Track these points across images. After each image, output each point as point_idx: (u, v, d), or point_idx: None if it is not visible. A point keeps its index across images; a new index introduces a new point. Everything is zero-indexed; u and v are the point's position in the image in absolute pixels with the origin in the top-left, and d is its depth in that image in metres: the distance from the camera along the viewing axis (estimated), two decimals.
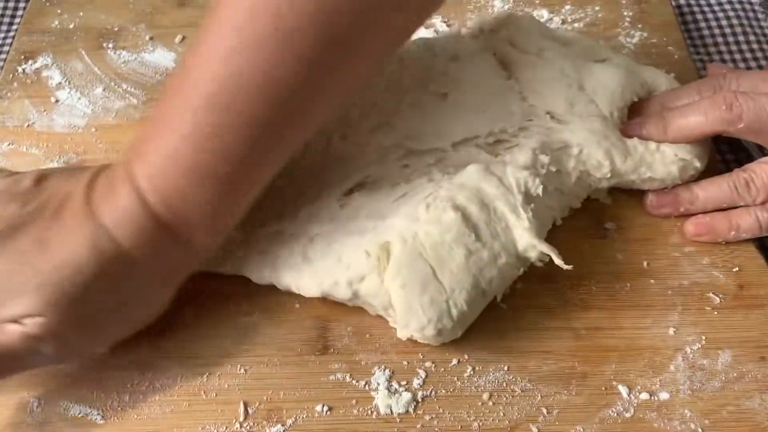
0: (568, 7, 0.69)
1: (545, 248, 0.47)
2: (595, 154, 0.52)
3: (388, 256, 0.46)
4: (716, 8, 0.72)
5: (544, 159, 0.51)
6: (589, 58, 0.56)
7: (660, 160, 0.52)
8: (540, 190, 0.49)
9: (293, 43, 0.39)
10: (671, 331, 0.49)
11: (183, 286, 0.46)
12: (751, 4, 0.72)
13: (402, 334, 0.46)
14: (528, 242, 0.47)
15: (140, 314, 0.45)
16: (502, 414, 0.45)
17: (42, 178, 0.45)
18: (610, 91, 0.54)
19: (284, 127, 0.42)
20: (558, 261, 0.47)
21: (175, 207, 0.42)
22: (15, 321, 0.41)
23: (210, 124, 0.40)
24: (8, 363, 0.43)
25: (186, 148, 0.41)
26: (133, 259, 0.42)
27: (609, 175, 0.52)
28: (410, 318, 0.45)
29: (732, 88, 0.52)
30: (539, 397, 0.46)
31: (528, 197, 0.48)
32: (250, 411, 0.45)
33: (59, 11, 0.68)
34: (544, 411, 0.45)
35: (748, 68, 0.67)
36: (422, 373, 0.47)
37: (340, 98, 0.45)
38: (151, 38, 0.66)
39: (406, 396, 0.46)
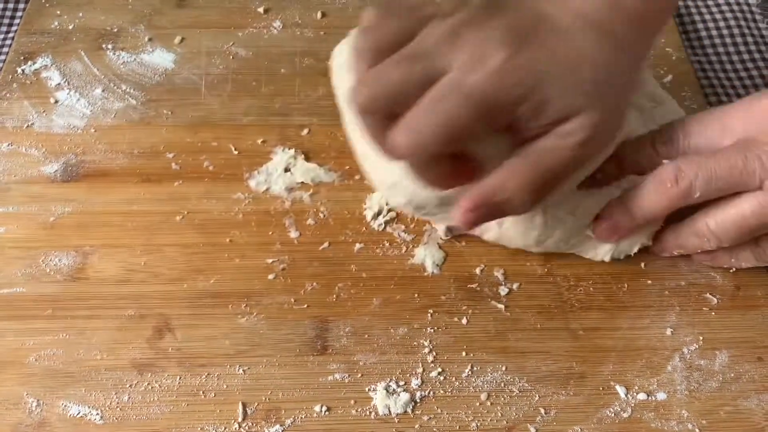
0: None
1: None
2: None
3: None
4: (714, 10, 0.72)
5: None
6: None
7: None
8: None
9: None
10: (668, 331, 0.49)
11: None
12: (748, 5, 0.72)
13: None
14: None
15: (631, 94, 0.47)
16: (500, 414, 0.45)
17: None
18: None
19: None
20: None
21: None
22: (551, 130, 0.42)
23: None
24: (559, 182, 0.43)
25: None
26: (620, 45, 0.43)
27: None
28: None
29: (680, 144, 0.49)
30: (537, 397, 0.46)
31: None
32: (248, 411, 0.45)
33: (58, 12, 0.68)
34: (542, 411, 0.45)
35: (746, 69, 0.68)
36: (420, 374, 0.47)
37: None
38: (150, 39, 0.66)
39: (405, 396, 0.46)
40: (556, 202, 0.49)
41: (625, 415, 0.45)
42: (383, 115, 0.42)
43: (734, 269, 0.52)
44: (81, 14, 0.68)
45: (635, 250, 0.52)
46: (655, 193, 0.47)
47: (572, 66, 0.42)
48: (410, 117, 0.41)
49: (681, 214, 0.49)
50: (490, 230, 0.51)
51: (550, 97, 0.41)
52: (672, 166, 0.47)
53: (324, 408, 0.45)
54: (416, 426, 0.45)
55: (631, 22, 0.44)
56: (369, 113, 0.42)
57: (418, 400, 0.46)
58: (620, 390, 0.46)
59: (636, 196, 0.49)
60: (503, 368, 0.47)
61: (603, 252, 0.51)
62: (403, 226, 0.54)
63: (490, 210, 0.43)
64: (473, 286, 0.51)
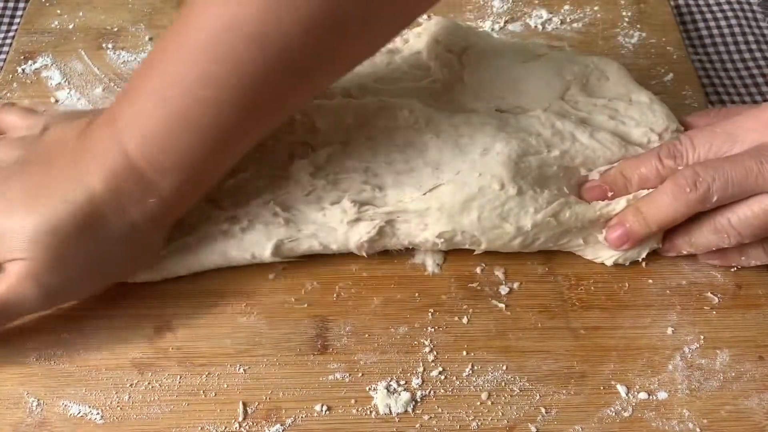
0: (567, 7, 0.70)
1: None
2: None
3: None
4: (715, 8, 0.72)
5: None
6: (522, 59, 0.56)
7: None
8: None
9: (296, 3, 0.38)
10: (670, 330, 0.49)
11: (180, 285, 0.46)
12: (749, 4, 0.72)
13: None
14: None
15: (124, 263, 0.47)
16: (500, 413, 0.45)
17: (48, 125, 0.47)
18: (537, 87, 0.54)
19: (275, 89, 0.42)
20: None
21: (151, 152, 0.42)
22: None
23: (201, 73, 0.40)
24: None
25: (172, 94, 0.41)
26: (106, 206, 0.43)
27: None
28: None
29: (689, 157, 0.49)
30: (538, 396, 0.46)
31: None
32: (249, 411, 0.45)
33: (59, 11, 0.68)
34: (543, 410, 0.45)
35: (746, 68, 0.67)
36: (421, 373, 0.47)
37: (341, 71, 0.45)
38: (150, 39, 0.66)
39: (405, 396, 0.46)
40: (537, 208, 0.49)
41: (626, 414, 0.45)
42: None
43: (735, 268, 0.51)
44: (81, 13, 0.68)
45: (643, 255, 0.51)
46: (674, 198, 0.48)
47: (18, 226, 0.43)
48: None
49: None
50: (481, 243, 0.50)
51: None
52: (690, 171, 0.47)
53: (324, 407, 0.45)
54: (417, 425, 0.45)
55: (124, 223, 0.44)
56: None
57: (418, 400, 0.46)
58: (621, 389, 0.46)
59: (651, 202, 0.49)
60: (504, 367, 0.47)
61: (606, 256, 0.51)
62: None
63: None
64: (474, 285, 0.51)
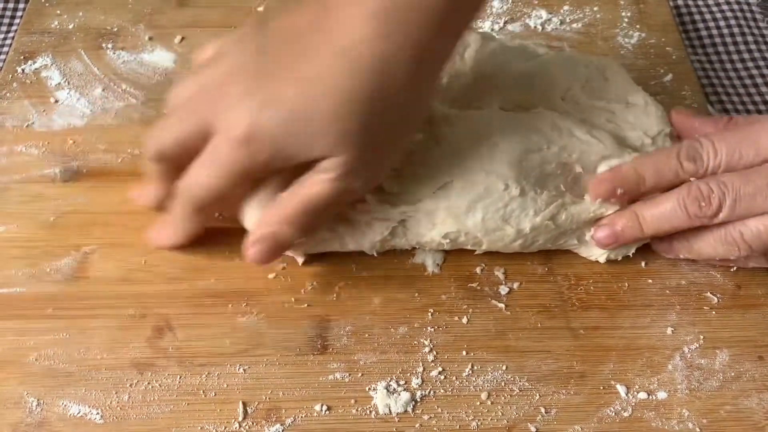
0: (566, 7, 0.70)
1: None
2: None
3: None
4: (714, 9, 0.72)
5: None
6: (522, 59, 0.56)
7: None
8: None
9: None
10: (669, 330, 0.49)
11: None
12: (749, 4, 0.72)
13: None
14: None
15: (411, 116, 0.47)
16: (500, 413, 0.45)
17: (263, 18, 0.48)
18: (537, 87, 0.54)
19: None
20: None
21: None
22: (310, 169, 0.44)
23: None
24: (323, 211, 0.46)
25: None
26: (393, 75, 0.42)
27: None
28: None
29: (710, 161, 0.48)
30: (537, 396, 0.46)
31: None
32: (249, 410, 0.45)
33: (58, 12, 0.68)
34: (543, 410, 0.45)
35: (746, 69, 0.68)
36: (421, 373, 0.47)
37: None
38: (150, 38, 0.66)
39: (405, 396, 0.46)
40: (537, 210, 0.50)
41: (626, 414, 0.45)
42: (171, 164, 0.48)
43: (735, 268, 0.52)
44: (81, 13, 0.68)
45: (632, 251, 0.52)
46: (681, 211, 0.47)
47: (318, 114, 0.42)
48: (183, 180, 0.46)
49: None
50: (482, 244, 0.51)
51: (296, 152, 0.43)
52: (704, 187, 0.47)
53: (324, 407, 0.45)
54: (416, 425, 0.45)
55: (411, 57, 0.43)
56: (157, 162, 0.48)
57: (418, 400, 0.46)
58: (621, 389, 0.46)
59: (654, 208, 0.49)
60: (504, 367, 0.47)
61: (598, 253, 0.51)
62: None
63: (267, 244, 0.46)
64: (473, 285, 0.51)
